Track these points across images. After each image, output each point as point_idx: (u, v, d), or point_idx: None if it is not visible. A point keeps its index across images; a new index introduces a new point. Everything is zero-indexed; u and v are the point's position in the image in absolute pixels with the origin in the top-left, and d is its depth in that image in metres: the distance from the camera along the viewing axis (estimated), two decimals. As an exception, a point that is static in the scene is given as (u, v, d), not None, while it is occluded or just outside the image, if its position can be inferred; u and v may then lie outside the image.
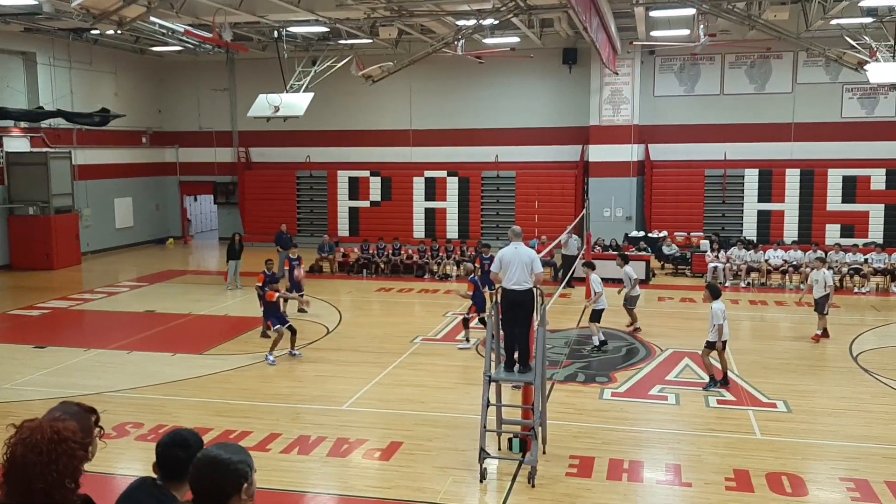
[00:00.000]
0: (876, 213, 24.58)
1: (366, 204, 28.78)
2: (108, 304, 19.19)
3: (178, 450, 3.41)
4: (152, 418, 10.61)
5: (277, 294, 14.02)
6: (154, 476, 3.47)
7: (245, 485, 2.94)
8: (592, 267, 15.08)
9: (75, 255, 25.13)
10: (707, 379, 11.88)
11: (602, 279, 14.91)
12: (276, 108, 19.00)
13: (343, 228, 28.85)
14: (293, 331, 13.70)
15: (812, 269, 15.51)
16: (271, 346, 13.60)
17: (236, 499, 2.93)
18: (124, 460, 9.18)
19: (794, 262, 20.85)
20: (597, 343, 14.13)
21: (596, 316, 14.29)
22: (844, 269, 20.25)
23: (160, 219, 31.11)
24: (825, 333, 14.85)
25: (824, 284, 14.83)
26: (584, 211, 20.38)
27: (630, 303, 15.45)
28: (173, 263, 25.82)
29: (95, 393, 11.65)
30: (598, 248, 22.00)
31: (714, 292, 12.05)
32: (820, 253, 19.22)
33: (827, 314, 14.86)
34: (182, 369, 13.12)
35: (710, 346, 11.81)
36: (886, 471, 8.73)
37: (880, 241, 23.51)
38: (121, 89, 28.21)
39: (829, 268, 19.44)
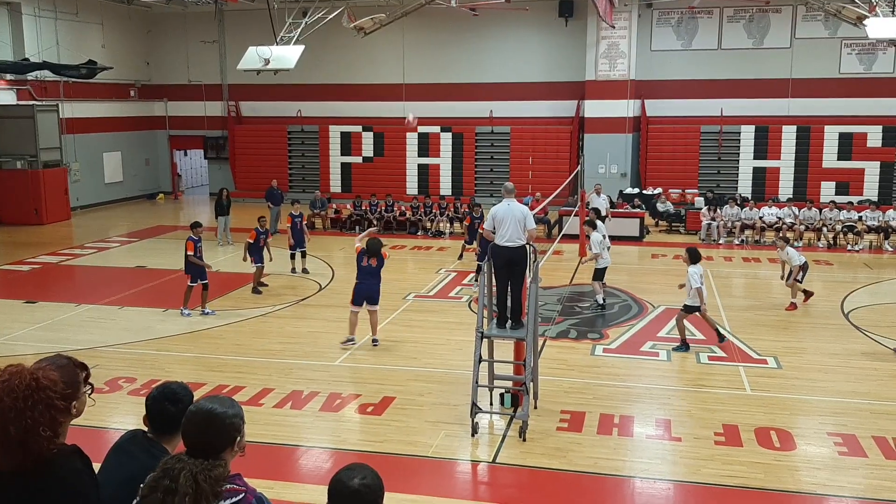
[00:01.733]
0: (871, 171, 24.53)
1: (358, 160, 28.55)
2: (98, 259, 19.09)
3: (167, 403, 3.45)
4: (145, 373, 10.61)
5: (196, 248, 13.66)
6: (145, 429, 3.46)
7: (238, 438, 3.00)
8: (593, 226, 14.52)
9: (64, 210, 24.92)
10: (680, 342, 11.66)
11: (610, 237, 14.86)
12: (267, 61, 18.68)
13: (335, 184, 28.66)
14: (206, 287, 13.76)
15: (778, 248, 14.83)
16: (185, 300, 13.65)
17: (229, 451, 2.98)
18: (117, 414, 9.20)
19: (789, 220, 20.83)
20: (601, 301, 13.97)
21: (599, 274, 14.10)
22: (838, 227, 20.24)
23: (150, 174, 30.84)
24: (795, 304, 14.13)
25: (793, 260, 14.18)
26: (579, 167, 20.23)
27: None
28: (164, 219, 25.66)
29: (87, 347, 11.63)
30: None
31: (693, 256, 11.75)
32: (781, 236, 18.03)
33: (801, 282, 14.10)
34: (174, 325, 13.10)
35: (688, 309, 11.66)
36: (874, 426, 8.80)
37: (875, 198, 23.54)
38: (108, 41, 27.70)
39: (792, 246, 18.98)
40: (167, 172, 31.47)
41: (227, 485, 2.87)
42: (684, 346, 11.62)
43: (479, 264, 14.62)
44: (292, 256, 17.05)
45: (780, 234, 17.89)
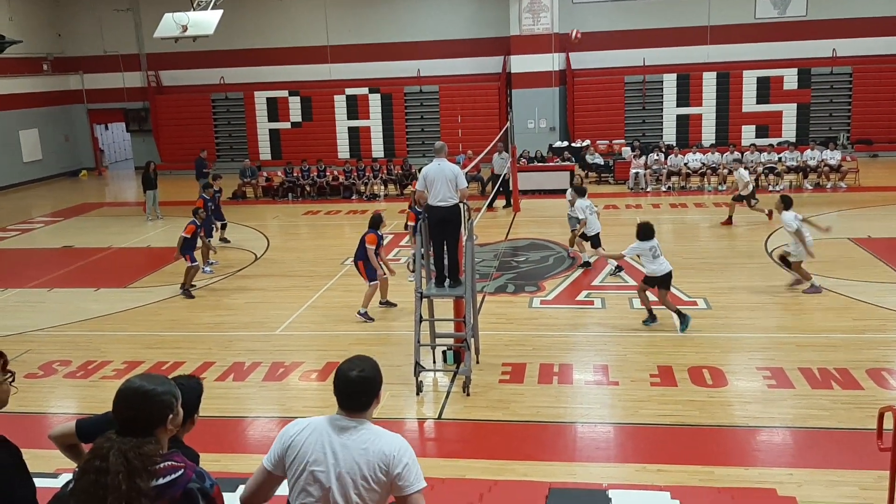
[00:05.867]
0: (789, 113, 25.28)
1: (286, 125, 28.06)
2: (22, 241, 18.45)
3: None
4: (80, 355, 10.38)
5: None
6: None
7: (170, 415, 2.95)
8: (581, 193, 13.88)
9: (-18, 192, 23.97)
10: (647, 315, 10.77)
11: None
12: (184, 28, 18.10)
13: (265, 152, 28.14)
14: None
15: (734, 170, 17.78)
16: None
17: (161, 430, 2.93)
18: (54, 398, 9.04)
19: (713, 165, 21.40)
20: (588, 259, 13.73)
21: (594, 242, 13.57)
22: (760, 169, 20.89)
23: (71, 150, 29.73)
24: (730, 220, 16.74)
25: (744, 182, 16.81)
26: (508, 123, 20.33)
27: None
28: (89, 196, 24.86)
29: (17, 333, 11.34)
30: (524, 160, 22.07)
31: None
32: (737, 154, 20.35)
33: (751, 205, 16.79)
34: (107, 304, 12.81)
35: (648, 282, 10.75)
36: (799, 358, 9.24)
37: (793, 139, 24.33)
38: (15, 13, 26.42)
39: (745, 167, 20.28)
40: (89, 148, 30.37)
41: (166, 462, 2.84)
42: (651, 317, 10.72)
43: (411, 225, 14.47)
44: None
45: (734, 158, 19.80)
